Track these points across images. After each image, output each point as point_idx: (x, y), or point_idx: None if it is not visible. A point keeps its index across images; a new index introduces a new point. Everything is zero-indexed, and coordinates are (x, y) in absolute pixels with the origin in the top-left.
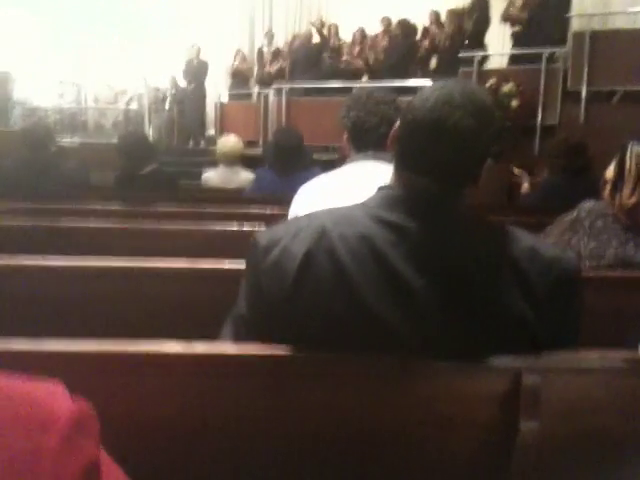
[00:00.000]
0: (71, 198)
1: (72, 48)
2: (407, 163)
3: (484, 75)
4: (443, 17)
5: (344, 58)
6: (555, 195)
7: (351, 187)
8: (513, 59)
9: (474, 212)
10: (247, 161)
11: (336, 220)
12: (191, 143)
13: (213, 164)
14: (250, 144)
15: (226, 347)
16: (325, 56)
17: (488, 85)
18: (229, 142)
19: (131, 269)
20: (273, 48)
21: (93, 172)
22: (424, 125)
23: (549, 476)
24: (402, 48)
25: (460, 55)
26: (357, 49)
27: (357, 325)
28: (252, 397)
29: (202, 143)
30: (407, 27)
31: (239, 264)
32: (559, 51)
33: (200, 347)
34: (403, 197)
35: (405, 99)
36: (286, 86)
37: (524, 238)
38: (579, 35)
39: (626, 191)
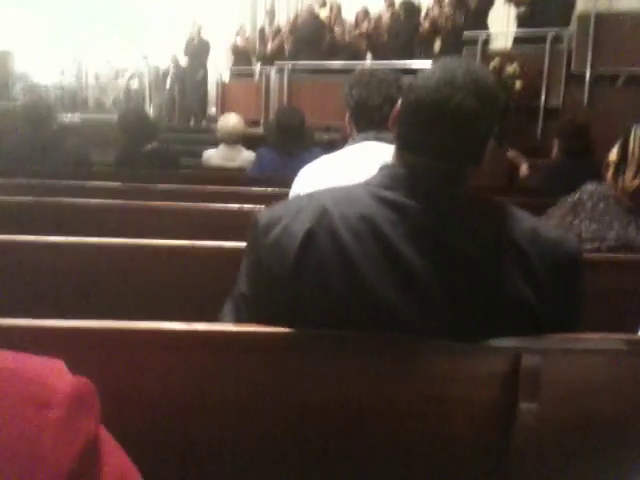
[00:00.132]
0: (72, 175)
1: (73, 25)
2: (409, 143)
3: (488, 56)
4: None
5: (347, 38)
6: (557, 177)
7: (352, 168)
8: (517, 40)
9: (476, 193)
10: (248, 140)
11: (337, 199)
12: (192, 122)
13: (214, 143)
14: (251, 123)
15: (226, 325)
16: (327, 35)
17: (492, 66)
18: (230, 121)
19: (131, 247)
20: (275, 26)
21: (94, 149)
22: (426, 106)
23: (548, 457)
24: (405, 28)
25: (464, 35)
26: (360, 29)
27: (357, 304)
28: (253, 374)
29: (203, 122)
30: (410, 7)
31: (240, 243)
32: (563, 32)
33: (200, 325)
34: (405, 176)
35: (408, 78)
36: (288, 64)
37: (525, 219)
38: (584, 17)
39: (629, 174)
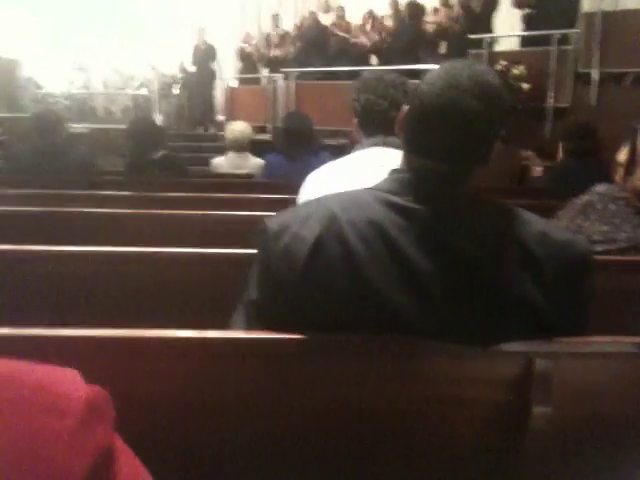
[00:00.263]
0: (81, 184)
1: (80, 34)
2: (416, 147)
3: (494, 57)
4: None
5: (352, 40)
6: (566, 178)
7: (360, 174)
8: (524, 42)
9: (484, 195)
10: (256, 146)
11: (345, 205)
12: (200, 129)
13: (222, 151)
14: (259, 129)
15: (236, 332)
16: (332, 39)
17: (498, 68)
18: (237, 128)
19: (141, 255)
20: (280, 31)
21: (102, 158)
22: (432, 110)
23: (561, 460)
24: (409, 29)
25: (469, 38)
26: (365, 31)
27: (367, 309)
28: (254, 377)
29: (211, 128)
30: (414, 8)
31: (249, 250)
32: (570, 33)
33: (211, 332)
34: (412, 180)
35: (414, 82)
36: (295, 70)
37: (534, 222)
38: (590, 16)
39: (638, 174)
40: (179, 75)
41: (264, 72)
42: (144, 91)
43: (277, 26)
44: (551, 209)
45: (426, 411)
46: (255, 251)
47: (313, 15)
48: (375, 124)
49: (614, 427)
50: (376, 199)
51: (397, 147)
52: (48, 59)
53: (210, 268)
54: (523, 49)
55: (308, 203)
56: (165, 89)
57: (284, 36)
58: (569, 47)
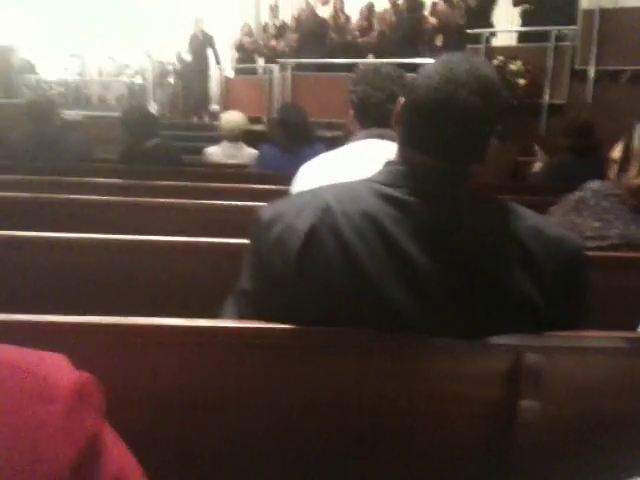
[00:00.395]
0: (75, 172)
1: (75, 22)
2: (412, 141)
3: (492, 52)
4: None
5: (350, 34)
6: (561, 175)
7: (354, 165)
8: (521, 37)
9: (479, 190)
10: (251, 137)
11: (339, 196)
12: (195, 118)
13: (216, 140)
14: (254, 120)
15: (227, 321)
16: (331, 32)
17: (496, 63)
18: (233, 118)
19: (134, 244)
20: (279, 22)
21: (96, 146)
22: (428, 104)
23: (550, 455)
24: (407, 23)
25: (467, 33)
26: (364, 25)
27: (360, 302)
28: (253, 371)
29: (206, 118)
30: (413, 2)
31: (243, 240)
32: (567, 29)
33: (202, 321)
34: (407, 173)
35: (412, 75)
36: (292, 62)
37: (528, 216)
38: (588, 13)
39: (632, 171)
40: (176, 64)
41: (261, 63)
42: (139, 79)
43: (275, 17)
44: (547, 205)
45: (419, 406)
46: (248, 241)
47: (311, 7)
48: (371, 116)
49: (606, 422)
50: (371, 191)
51: (392, 139)
52: (43, 45)
53: (203, 257)
54: (520, 45)
55: (302, 194)
56: (161, 76)
57: (282, 27)
58: (566, 44)
